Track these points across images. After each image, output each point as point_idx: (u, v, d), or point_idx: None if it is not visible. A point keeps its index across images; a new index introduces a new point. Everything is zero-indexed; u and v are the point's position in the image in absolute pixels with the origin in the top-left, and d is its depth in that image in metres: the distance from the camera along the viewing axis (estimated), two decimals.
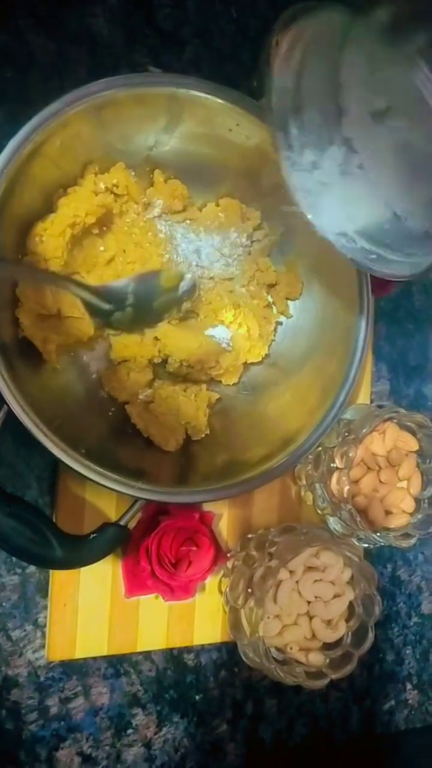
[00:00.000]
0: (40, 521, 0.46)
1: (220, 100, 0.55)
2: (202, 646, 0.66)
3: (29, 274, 0.53)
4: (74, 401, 0.56)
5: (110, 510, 0.61)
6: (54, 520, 0.60)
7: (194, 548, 0.61)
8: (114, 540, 0.49)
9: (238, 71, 0.71)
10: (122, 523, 0.49)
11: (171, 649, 0.65)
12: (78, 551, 0.48)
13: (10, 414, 0.46)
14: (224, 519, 0.66)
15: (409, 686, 0.77)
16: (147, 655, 0.64)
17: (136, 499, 0.50)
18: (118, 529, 0.49)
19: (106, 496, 0.60)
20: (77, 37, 0.62)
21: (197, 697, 0.67)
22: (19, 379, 0.48)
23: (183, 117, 0.56)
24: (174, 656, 0.66)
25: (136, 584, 0.60)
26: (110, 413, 0.58)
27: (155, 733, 0.65)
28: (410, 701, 0.77)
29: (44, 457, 0.60)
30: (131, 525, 0.54)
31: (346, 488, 0.60)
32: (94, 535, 0.48)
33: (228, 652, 0.67)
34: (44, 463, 0.61)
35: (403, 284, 0.71)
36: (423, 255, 0.44)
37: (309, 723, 0.71)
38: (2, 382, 0.46)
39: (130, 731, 0.64)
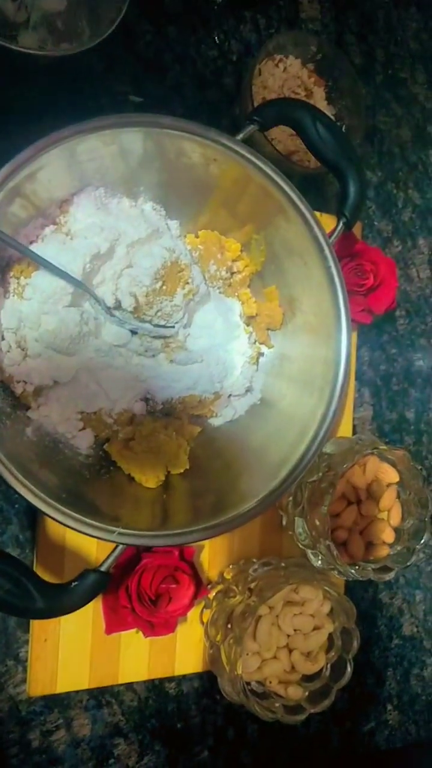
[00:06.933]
0: (19, 572, 0.46)
1: (197, 138, 0.54)
2: (184, 675, 0.67)
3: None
4: (54, 441, 0.56)
5: (91, 548, 0.61)
6: (34, 559, 0.60)
7: (174, 585, 0.61)
8: (95, 587, 0.48)
9: (221, 96, 0.70)
10: (103, 569, 0.49)
11: (152, 679, 0.65)
12: (59, 600, 0.48)
13: None
14: (205, 550, 0.66)
15: (389, 707, 0.77)
16: (129, 685, 0.65)
17: (117, 544, 0.50)
18: (100, 576, 0.49)
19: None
20: (57, 67, 0.61)
21: (179, 725, 0.67)
22: None
23: (159, 153, 0.55)
24: (156, 686, 0.66)
25: (116, 621, 0.60)
26: (91, 451, 0.58)
27: (137, 762, 0.65)
28: (391, 722, 0.78)
29: None
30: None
31: (327, 524, 0.60)
32: (75, 582, 0.48)
33: (209, 679, 0.68)
34: (25, 498, 0.61)
35: (387, 311, 0.71)
36: None
37: (290, 746, 0.72)
38: None
39: (111, 761, 0.64)
